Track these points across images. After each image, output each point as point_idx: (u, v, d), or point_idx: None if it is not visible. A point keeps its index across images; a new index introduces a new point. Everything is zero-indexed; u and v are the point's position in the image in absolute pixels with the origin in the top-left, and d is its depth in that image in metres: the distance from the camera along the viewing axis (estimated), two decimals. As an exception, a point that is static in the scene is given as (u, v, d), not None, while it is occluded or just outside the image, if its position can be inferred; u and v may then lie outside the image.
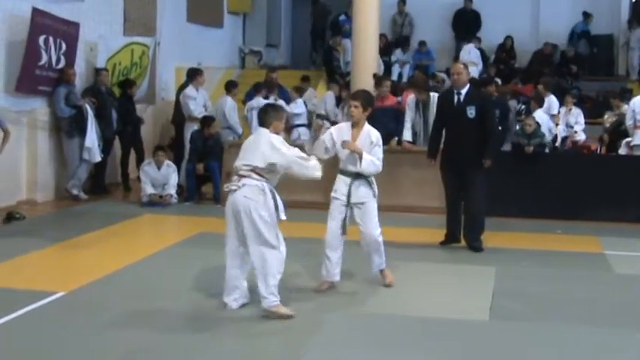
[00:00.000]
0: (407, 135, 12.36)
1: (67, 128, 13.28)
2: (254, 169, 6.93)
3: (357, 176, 7.79)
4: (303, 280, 8.21)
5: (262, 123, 7.21)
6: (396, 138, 12.61)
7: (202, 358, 5.97)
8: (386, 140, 12.61)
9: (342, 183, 7.86)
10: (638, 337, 6.60)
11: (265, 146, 6.96)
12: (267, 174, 6.96)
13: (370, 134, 7.81)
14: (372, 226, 7.82)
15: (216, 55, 19.60)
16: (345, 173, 7.86)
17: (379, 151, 7.81)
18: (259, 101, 14.41)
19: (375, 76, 13.88)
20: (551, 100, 14.38)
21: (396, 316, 7.10)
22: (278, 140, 7.03)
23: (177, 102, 14.89)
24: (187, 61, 16.72)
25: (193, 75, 14.67)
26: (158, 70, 16.33)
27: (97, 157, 13.36)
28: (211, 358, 6.00)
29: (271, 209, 6.87)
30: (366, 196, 7.80)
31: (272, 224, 6.90)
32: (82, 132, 13.17)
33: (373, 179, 7.89)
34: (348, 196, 7.78)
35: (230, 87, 14.89)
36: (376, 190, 7.87)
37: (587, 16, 19.92)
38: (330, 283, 7.90)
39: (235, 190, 6.93)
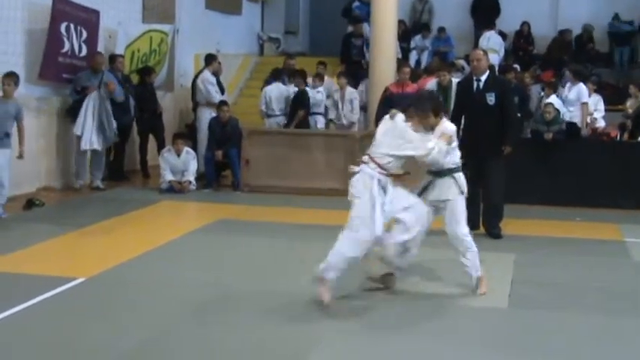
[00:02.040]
0: None
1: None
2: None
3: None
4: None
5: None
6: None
7: (216, 347, 5.96)
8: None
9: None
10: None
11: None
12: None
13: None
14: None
15: (235, 42, 19.61)
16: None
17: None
18: (279, 87, 14.43)
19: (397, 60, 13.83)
20: (581, 88, 14.17)
21: (415, 303, 7.12)
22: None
23: (195, 88, 14.91)
24: (206, 48, 16.71)
25: (210, 60, 14.78)
26: (177, 58, 16.34)
27: (94, 145, 12.95)
28: (226, 346, 5.99)
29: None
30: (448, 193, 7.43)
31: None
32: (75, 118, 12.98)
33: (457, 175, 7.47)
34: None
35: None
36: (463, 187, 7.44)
37: (616, 16, 19.73)
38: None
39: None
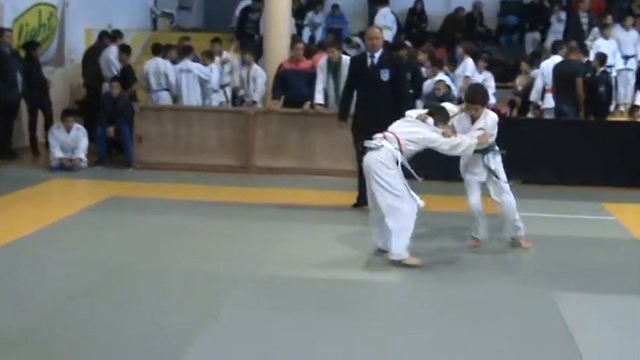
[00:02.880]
0: (318, 97, 12.29)
1: None
2: None
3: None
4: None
5: None
6: (309, 102, 12.58)
7: (107, 325, 5.82)
8: (300, 104, 12.75)
9: None
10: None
11: None
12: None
13: None
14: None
15: (127, 17, 19.18)
16: None
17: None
18: (157, 63, 14.17)
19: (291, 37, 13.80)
20: (467, 62, 14.59)
21: (305, 279, 7.12)
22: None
23: (87, 64, 14.61)
24: (97, 23, 16.37)
25: (116, 37, 14.91)
26: (67, 32, 15.93)
27: None
28: (117, 324, 5.85)
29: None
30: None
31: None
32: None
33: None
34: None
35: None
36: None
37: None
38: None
39: None
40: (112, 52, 14.89)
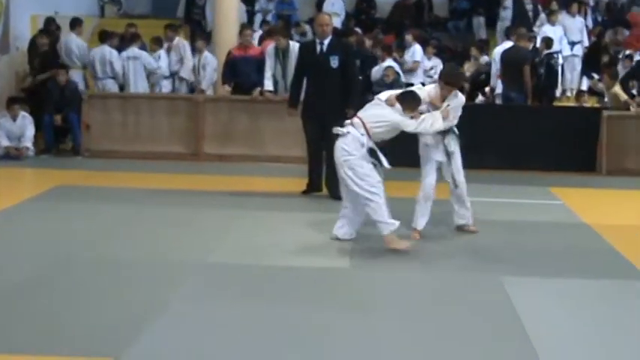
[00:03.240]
0: (268, 84, 12.26)
1: None
2: None
3: None
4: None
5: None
6: (258, 89, 12.54)
7: (51, 320, 5.67)
8: (250, 91, 12.71)
9: None
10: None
11: None
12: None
13: None
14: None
15: (74, 3, 18.83)
16: None
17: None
18: (103, 50, 13.98)
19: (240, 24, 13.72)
20: (415, 49, 14.69)
21: (258, 266, 7.09)
22: None
23: (33, 51, 14.39)
24: (43, 9, 16.10)
25: (75, 24, 14.64)
26: (12, 19, 15.65)
27: None
28: (62, 318, 5.71)
29: None
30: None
31: None
32: None
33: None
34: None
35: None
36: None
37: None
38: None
39: None
40: (73, 40, 14.56)
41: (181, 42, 14.64)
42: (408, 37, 15.18)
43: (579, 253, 7.86)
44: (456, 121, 8.07)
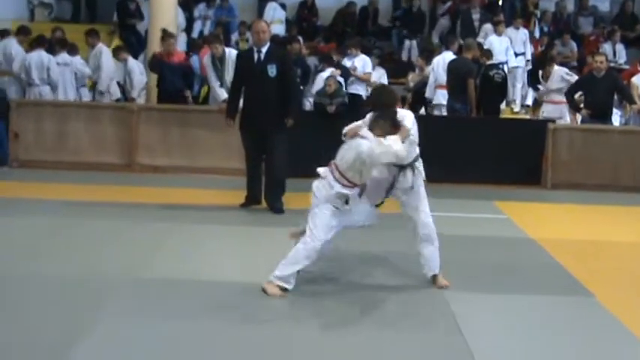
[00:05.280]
0: (221, 93, 11.94)
1: None
2: None
3: None
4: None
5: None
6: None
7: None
8: (175, 98, 12.40)
9: None
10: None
11: None
12: None
13: None
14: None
15: (2, 7, 18.34)
16: None
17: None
18: (40, 55, 13.49)
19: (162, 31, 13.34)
20: (365, 59, 14.37)
21: (192, 281, 6.84)
22: None
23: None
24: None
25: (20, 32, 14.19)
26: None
27: None
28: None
29: None
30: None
31: None
32: None
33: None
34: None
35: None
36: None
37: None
38: None
39: None
40: (14, 45, 13.94)
41: (101, 49, 14.15)
42: (351, 49, 14.70)
43: (525, 268, 7.74)
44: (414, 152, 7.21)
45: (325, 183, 6.74)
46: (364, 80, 14.13)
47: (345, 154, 6.68)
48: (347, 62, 14.21)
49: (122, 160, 12.40)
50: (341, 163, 6.70)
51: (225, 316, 6.02)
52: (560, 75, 13.56)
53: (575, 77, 13.56)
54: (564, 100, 13.31)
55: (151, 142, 12.42)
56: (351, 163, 6.62)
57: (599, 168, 12.34)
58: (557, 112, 13.57)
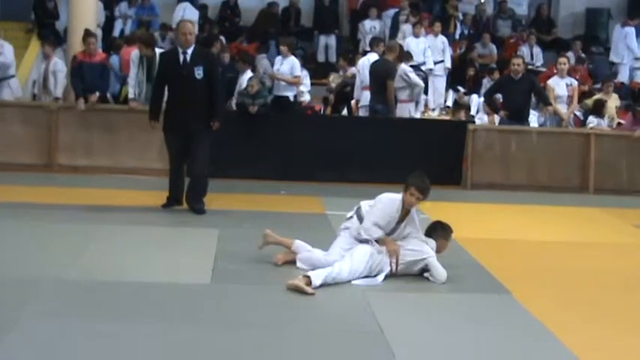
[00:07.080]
0: (133, 93, 11.86)
1: None
2: None
3: None
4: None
5: None
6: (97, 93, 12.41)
7: None
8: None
9: None
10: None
11: None
12: None
13: None
14: None
15: None
16: None
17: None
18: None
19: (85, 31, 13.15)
20: (294, 62, 14.09)
21: (114, 283, 6.74)
22: None
23: None
24: None
25: None
26: None
27: None
28: None
29: None
30: None
31: None
32: None
33: None
34: None
35: None
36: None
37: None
38: None
39: None
40: None
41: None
42: (283, 49, 14.45)
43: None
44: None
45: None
46: (293, 83, 13.93)
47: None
48: (276, 63, 14.02)
49: (41, 160, 12.19)
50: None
51: (148, 316, 5.98)
52: (399, 75, 13.21)
53: (413, 76, 13.50)
54: (409, 99, 13.42)
55: (71, 142, 12.25)
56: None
57: (517, 168, 12.60)
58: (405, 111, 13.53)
